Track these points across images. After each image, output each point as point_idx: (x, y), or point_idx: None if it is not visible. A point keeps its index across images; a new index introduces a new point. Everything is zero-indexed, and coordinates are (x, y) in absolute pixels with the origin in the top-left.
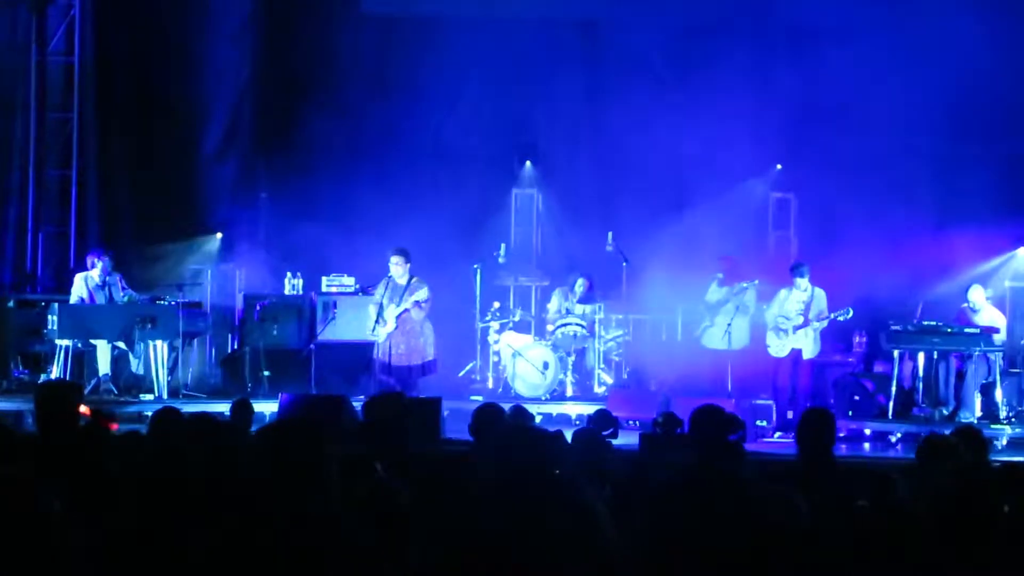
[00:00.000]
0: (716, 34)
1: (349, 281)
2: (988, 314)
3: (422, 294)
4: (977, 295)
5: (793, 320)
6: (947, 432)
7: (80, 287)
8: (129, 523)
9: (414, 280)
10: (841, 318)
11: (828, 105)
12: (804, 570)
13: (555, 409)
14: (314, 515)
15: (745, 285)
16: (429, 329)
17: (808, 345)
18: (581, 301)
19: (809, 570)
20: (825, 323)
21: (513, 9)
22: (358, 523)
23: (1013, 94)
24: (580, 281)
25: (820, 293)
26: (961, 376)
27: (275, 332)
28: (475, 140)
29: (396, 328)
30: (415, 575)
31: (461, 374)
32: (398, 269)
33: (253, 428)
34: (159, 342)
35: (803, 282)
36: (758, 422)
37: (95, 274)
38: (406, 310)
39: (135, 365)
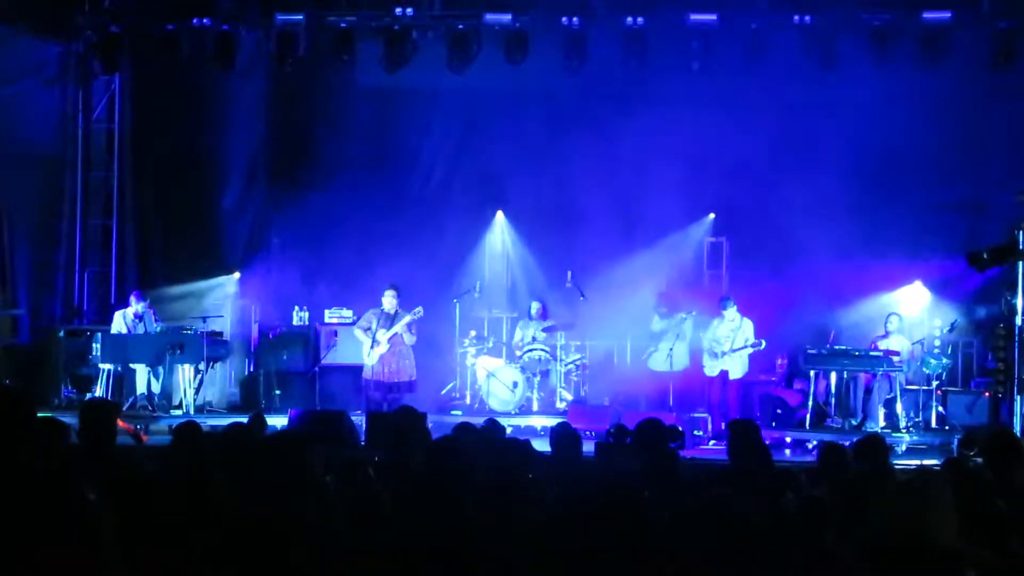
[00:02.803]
0: (658, 102)
1: (348, 313)
2: (897, 340)
3: (412, 315)
4: (892, 323)
5: (723, 346)
6: (854, 440)
7: (119, 323)
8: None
9: (400, 311)
10: (753, 349)
11: (756, 163)
12: (742, 556)
13: (523, 422)
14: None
15: (684, 316)
16: (412, 353)
17: (735, 367)
18: (540, 319)
19: (745, 556)
20: (748, 351)
21: (487, 82)
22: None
23: (922, 151)
24: (535, 305)
25: (748, 323)
26: (868, 392)
27: (285, 357)
28: (454, 192)
29: (388, 350)
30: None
31: (443, 392)
32: (391, 301)
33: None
34: (187, 365)
35: (730, 312)
36: (695, 432)
37: (131, 312)
38: (397, 333)
39: (155, 385)
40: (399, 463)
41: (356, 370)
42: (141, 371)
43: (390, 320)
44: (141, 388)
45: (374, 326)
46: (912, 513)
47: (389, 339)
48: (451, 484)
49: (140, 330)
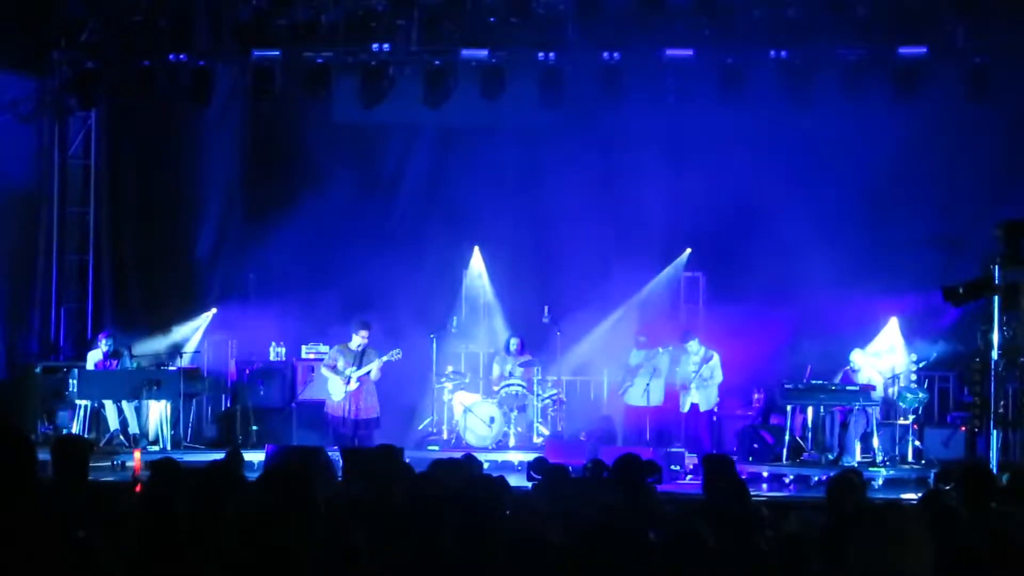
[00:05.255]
0: (634, 136)
1: (324, 349)
2: (866, 374)
3: (396, 354)
4: (857, 358)
5: (691, 379)
6: (832, 475)
7: (92, 363)
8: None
9: (369, 349)
10: (706, 376)
11: (732, 197)
12: None
13: (500, 457)
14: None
15: (660, 351)
16: (376, 391)
17: (702, 399)
18: (518, 354)
19: None
20: (713, 377)
21: (463, 119)
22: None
23: (898, 186)
24: (514, 341)
25: (713, 354)
26: (844, 427)
27: (262, 393)
28: (432, 229)
29: (357, 387)
30: None
31: (420, 427)
32: (360, 340)
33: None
34: (163, 401)
35: (693, 346)
36: (672, 467)
37: (99, 352)
38: (368, 372)
39: (131, 422)
40: (378, 499)
41: None
42: (114, 408)
43: (358, 358)
44: (115, 424)
45: (340, 364)
46: (888, 550)
47: (359, 377)
48: (429, 521)
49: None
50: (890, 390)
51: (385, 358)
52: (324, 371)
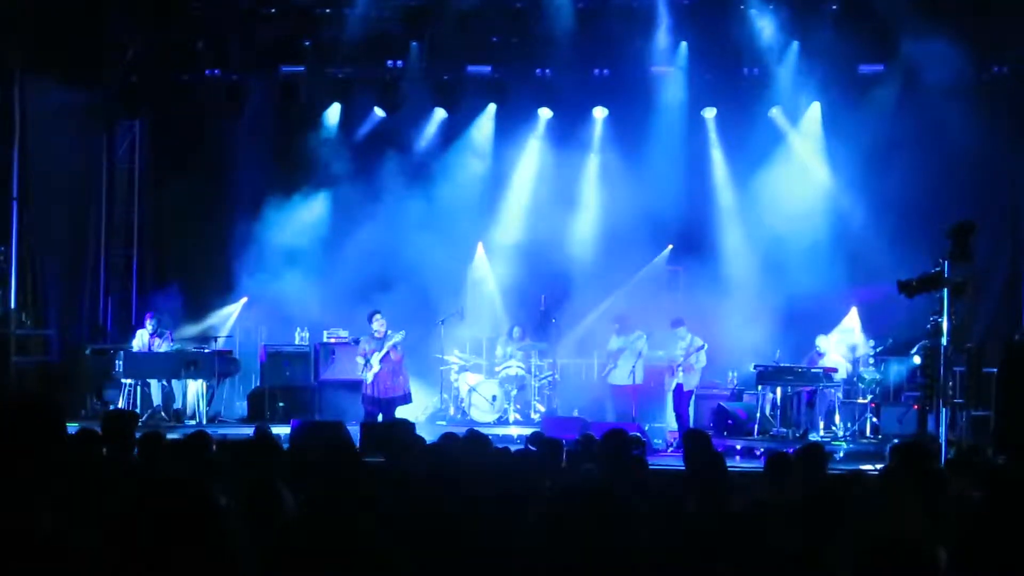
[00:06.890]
0: (622, 148)
1: (344, 334)
2: (831, 357)
3: (398, 337)
4: (822, 342)
5: (679, 362)
6: (796, 448)
7: (140, 340)
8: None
9: (389, 332)
10: (697, 351)
11: (707, 203)
12: (690, 553)
13: (501, 431)
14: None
15: (639, 334)
16: (406, 370)
17: (686, 380)
18: (519, 339)
19: (692, 553)
20: (699, 361)
21: (466, 126)
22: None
23: (859, 190)
24: (517, 328)
25: (699, 341)
26: (810, 405)
27: (288, 373)
28: (441, 229)
29: (381, 369)
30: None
31: (430, 405)
32: (379, 325)
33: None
34: (200, 380)
35: (681, 332)
36: (655, 441)
37: (146, 332)
38: (387, 353)
39: (155, 397)
40: (393, 467)
41: (351, 384)
42: (157, 385)
43: (380, 342)
44: (158, 400)
45: (368, 350)
46: (886, 513)
47: (380, 360)
48: (442, 485)
49: (161, 348)
50: (857, 366)
51: (391, 341)
52: (359, 360)
